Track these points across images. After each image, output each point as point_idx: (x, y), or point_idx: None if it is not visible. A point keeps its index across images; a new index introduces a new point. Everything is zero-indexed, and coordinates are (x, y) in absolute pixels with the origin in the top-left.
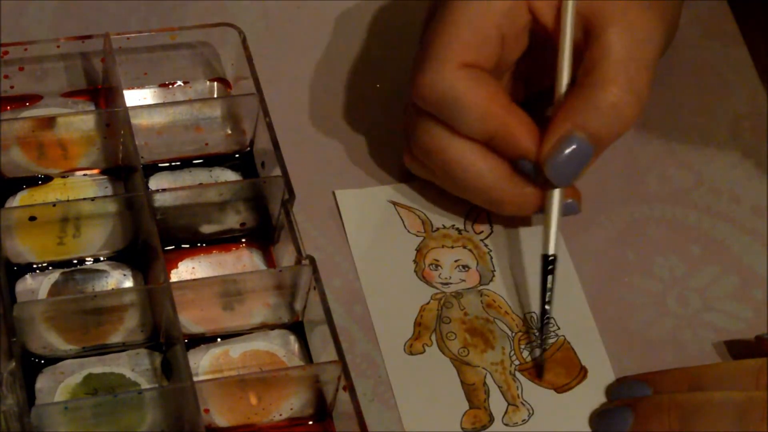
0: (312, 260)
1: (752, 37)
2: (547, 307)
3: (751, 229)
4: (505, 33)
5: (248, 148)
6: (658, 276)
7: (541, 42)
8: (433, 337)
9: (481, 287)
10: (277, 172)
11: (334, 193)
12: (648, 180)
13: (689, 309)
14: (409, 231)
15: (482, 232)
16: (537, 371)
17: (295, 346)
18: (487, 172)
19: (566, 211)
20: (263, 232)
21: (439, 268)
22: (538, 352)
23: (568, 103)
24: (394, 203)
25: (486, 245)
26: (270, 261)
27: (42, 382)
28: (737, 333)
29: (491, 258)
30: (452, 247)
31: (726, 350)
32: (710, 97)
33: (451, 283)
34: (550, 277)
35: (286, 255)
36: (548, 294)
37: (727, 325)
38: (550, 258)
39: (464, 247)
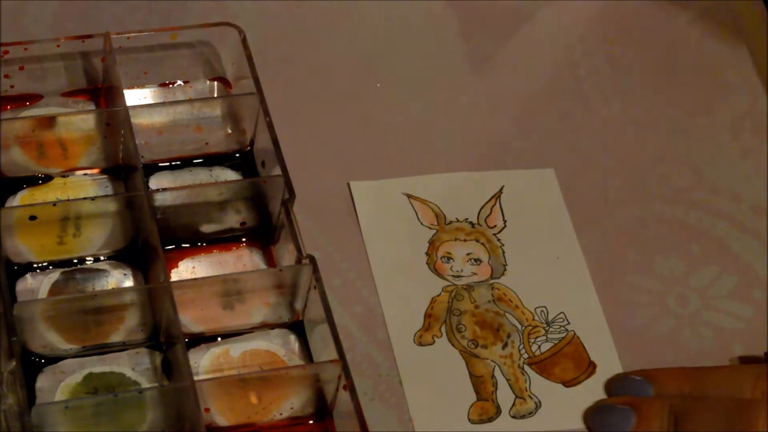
0: (312, 259)
1: (752, 37)
2: None
3: (750, 229)
4: None
5: (248, 148)
6: (659, 275)
7: None
8: (443, 329)
9: (493, 281)
10: (278, 171)
11: (348, 185)
12: (648, 180)
13: (689, 308)
14: (422, 223)
15: (495, 226)
16: None
17: (295, 345)
18: None
19: None
20: (263, 231)
21: (451, 260)
22: None
23: None
24: (408, 195)
25: (499, 239)
26: (270, 260)
27: (42, 382)
28: (737, 332)
29: (503, 252)
30: (465, 241)
31: (724, 350)
32: (710, 97)
33: (462, 276)
34: None
35: (286, 254)
36: None
37: (727, 324)
38: None
39: (477, 241)
